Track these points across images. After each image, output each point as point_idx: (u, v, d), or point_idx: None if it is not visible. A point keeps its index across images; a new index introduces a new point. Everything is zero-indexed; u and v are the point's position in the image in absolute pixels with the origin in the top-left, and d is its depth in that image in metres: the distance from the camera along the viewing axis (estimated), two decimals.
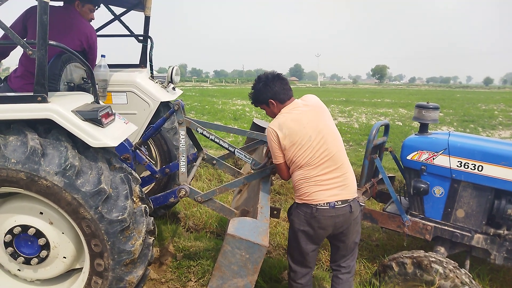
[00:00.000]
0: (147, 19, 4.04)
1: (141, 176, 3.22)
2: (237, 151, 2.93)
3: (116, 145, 2.25)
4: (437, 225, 3.25)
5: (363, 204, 3.42)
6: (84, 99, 2.48)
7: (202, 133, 2.90)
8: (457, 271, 2.77)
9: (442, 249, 3.24)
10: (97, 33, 3.54)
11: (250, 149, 3.38)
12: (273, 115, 2.65)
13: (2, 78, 3.33)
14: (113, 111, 2.50)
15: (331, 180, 2.42)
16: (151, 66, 4.09)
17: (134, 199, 2.34)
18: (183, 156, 2.78)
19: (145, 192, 2.83)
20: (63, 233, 2.33)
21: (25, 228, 2.28)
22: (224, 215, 2.88)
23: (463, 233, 3.14)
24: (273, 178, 3.08)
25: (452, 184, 3.20)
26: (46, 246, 2.32)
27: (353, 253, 2.68)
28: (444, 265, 2.79)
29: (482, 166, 3.04)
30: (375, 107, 20.39)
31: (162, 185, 4.04)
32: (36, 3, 2.06)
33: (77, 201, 2.09)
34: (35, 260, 2.34)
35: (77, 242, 2.35)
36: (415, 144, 3.35)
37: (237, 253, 1.97)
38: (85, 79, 3.32)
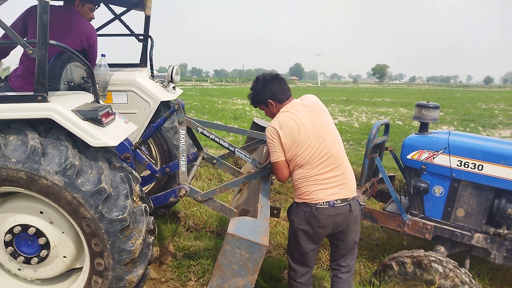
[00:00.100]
0: (147, 19, 4.04)
1: (141, 175, 3.22)
2: (237, 151, 2.93)
3: (116, 144, 2.25)
4: (437, 225, 3.25)
5: (363, 204, 3.42)
6: (84, 98, 2.48)
7: (202, 133, 2.90)
8: (457, 271, 2.77)
9: (442, 249, 3.24)
10: (97, 33, 3.54)
11: (250, 149, 3.38)
12: (272, 115, 2.66)
13: (3, 77, 3.33)
14: (113, 110, 2.50)
15: (331, 179, 2.43)
16: (151, 65, 4.09)
17: (134, 198, 2.34)
18: (183, 156, 2.78)
19: (145, 191, 2.83)
20: (63, 232, 2.33)
21: (25, 227, 2.28)
22: (224, 215, 2.88)
23: (463, 232, 3.14)
24: (273, 177, 3.09)
25: (452, 184, 3.20)
26: (46, 245, 2.32)
27: (353, 252, 2.68)
28: (444, 264, 2.80)
29: (482, 165, 3.04)
30: (375, 107, 20.40)
31: (162, 184, 4.04)
32: (36, 2, 2.06)
33: (77, 200, 2.10)
34: (35, 259, 2.34)
35: (77, 241, 2.35)
36: (415, 144, 3.35)
37: (237, 252, 1.97)
38: (85, 79, 3.32)
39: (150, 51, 4.10)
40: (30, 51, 2.10)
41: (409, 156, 3.35)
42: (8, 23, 2.23)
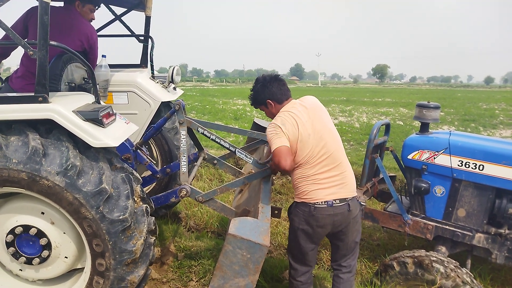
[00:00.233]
0: (147, 19, 4.05)
1: (142, 176, 3.22)
2: (238, 151, 2.93)
3: (117, 145, 2.25)
4: (438, 225, 3.24)
5: (364, 204, 3.42)
6: (85, 99, 2.49)
7: (203, 133, 2.90)
8: (458, 271, 2.77)
9: (443, 249, 3.24)
10: (98, 33, 3.54)
11: (251, 149, 3.39)
12: (272, 115, 2.67)
13: (3, 78, 3.34)
14: (114, 111, 2.50)
15: (330, 179, 2.43)
16: (151, 66, 4.09)
17: (135, 199, 2.34)
18: (184, 156, 2.78)
19: (146, 192, 2.83)
20: (64, 233, 2.34)
21: (26, 228, 2.29)
22: (225, 215, 2.89)
23: (464, 232, 3.14)
24: (274, 178, 3.09)
25: (453, 184, 3.20)
26: (48, 246, 2.33)
27: (354, 252, 2.68)
28: (445, 264, 2.79)
29: (483, 165, 3.03)
30: (376, 107, 20.39)
31: (163, 185, 4.04)
32: (37, 3, 2.06)
33: (78, 201, 2.10)
34: (37, 260, 2.34)
35: (79, 242, 2.35)
36: (416, 144, 3.35)
37: (238, 253, 1.97)
38: (86, 79, 3.32)
39: (150, 52, 4.10)
40: (31, 52, 2.10)
41: (410, 156, 3.35)
42: (9, 24, 2.23)
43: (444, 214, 3.26)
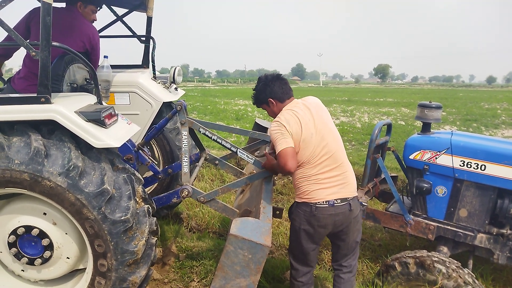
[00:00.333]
0: (149, 20, 4.06)
1: (143, 176, 3.23)
2: (239, 151, 2.93)
3: (119, 145, 2.26)
4: (440, 225, 3.24)
5: (365, 204, 3.42)
6: (87, 100, 2.49)
7: (204, 133, 2.90)
8: (460, 271, 2.77)
9: (445, 249, 3.23)
10: (100, 34, 3.55)
11: (252, 149, 3.38)
12: (273, 114, 2.68)
13: (6, 79, 3.35)
14: (116, 111, 2.51)
15: (331, 179, 2.43)
16: (153, 66, 4.10)
17: (137, 199, 2.35)
18: (186, 157, 2.79)
19: (148, 192, 2.84)
20: (66, 233, 2.34)
21: (28, 228, 2.29)
22: (227, 215, 2.89)
23: (466, 232, 3.13)
24: (275, 178, 3.08)
25: (455, 184, 3.19)
26: (50, 246, 2.33)
27: (355, 252, 2.68)
28: (447, 264, 2.79)
29: (485, 165, 3.03)
30: (377, 107, 20.37)
31: (165, 185, 4.05)
32: (39, 4, 2.07)
33: (80, 201, 2.10)
34: (39, 260, 2.35)
35: (81, 242, 2.36)
36: (417, 144, 3.34)
37: (240, 253, 1.97)
38: (88, 80, 3.33)
39: (152, 52, 4.11)
40: (33, 53, 2.11)
41: (411, 156, 3.34)
42: (11, 25, 2.24)
43: (446, 215, 3.25)
